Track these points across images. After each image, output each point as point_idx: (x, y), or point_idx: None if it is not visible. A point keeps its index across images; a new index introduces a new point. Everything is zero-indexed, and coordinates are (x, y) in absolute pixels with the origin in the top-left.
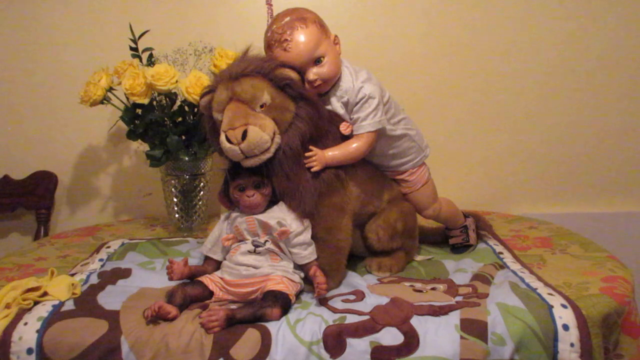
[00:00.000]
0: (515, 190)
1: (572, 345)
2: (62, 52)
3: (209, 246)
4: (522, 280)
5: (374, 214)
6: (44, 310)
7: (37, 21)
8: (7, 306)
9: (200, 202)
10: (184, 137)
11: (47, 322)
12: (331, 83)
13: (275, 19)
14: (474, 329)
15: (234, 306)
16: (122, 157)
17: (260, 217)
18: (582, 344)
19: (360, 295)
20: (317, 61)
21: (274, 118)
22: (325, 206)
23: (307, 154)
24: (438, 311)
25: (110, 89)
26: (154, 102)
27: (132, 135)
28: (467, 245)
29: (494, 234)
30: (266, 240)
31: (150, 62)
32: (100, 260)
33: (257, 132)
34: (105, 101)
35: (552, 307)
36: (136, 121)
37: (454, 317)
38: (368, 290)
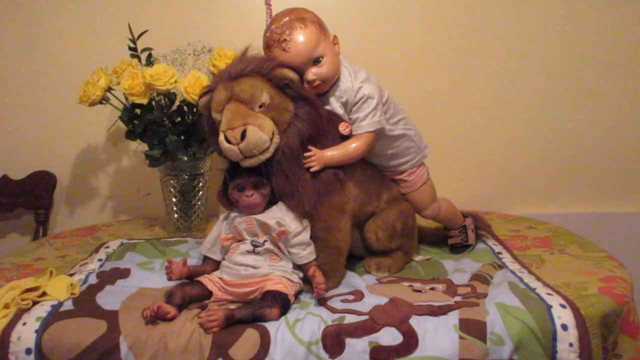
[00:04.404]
0: (514, 190)
1: (571, 345)
2: (61, 51)
3: (208, 246)
4: (521, 280)
5: (373, 214)
6: (42, 310)
7: (36, 21)
8: (6, 306)
9: (199, 202)
10: (183, 137)
11: (46, 322)
12: (330, 83)
13: (274, 19)
14: (473, 329)
15: (232, 306)
16: (121, 157)
17: (259, 217)
18: (581, 344)
19: (359, 295)
20: (316, 61)
21: (273, 118)
22: (324, 206)
23: (306, 154)
24: (437, 311)
25: (109, 89)
26: (153, 102)
27: (131, 135)
28: (466, 245)
29: (493, 234)
30: (265, 240)
31: (149, 62)
32: (99, 260)
33: (256, 132)
34: (104, 101)
35: (551, 307)
36: (135, 121)
37: (453, 317)
38: (367, 290)
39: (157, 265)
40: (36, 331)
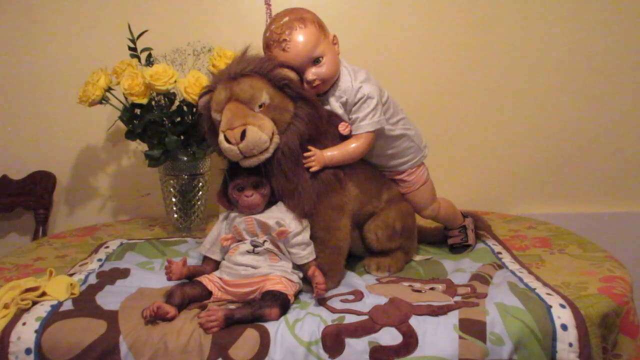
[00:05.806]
0: (513, 190)
1: (570, 345)
2: (61, 51)
3: (208, 246)
4: (521, 280)
5: (372, 214)
6: (42, 310)
7: (36, 21)
8: (6, 306)
9: (199, 202)
10: (182, 137)
11: (46, 323)
12: (330, 83)
13: (274, 19)
14: (473, 329)
15: (232, 306)
16: (120, 157)
17: (259, 217)
18: (581, 344)
19: (359, 295)
20: (316, 61)
21: (273, 118)
22: (324, 206)
23: (305, 154)
24: (437, 311)
25: (109, 89)
26: (153, 102)
27: (130, 135)
28: (465, 245)
29: (493, 234)
30: (265, 240)
31: (149, 62)
32: (99, 260)
33: (256, 132)
34: (103, 101)
35: (550, 307)
36: (135, 121)
37: (453, 317)
38: (367, 290)
39: (156, 265)
40: (36, 331)
